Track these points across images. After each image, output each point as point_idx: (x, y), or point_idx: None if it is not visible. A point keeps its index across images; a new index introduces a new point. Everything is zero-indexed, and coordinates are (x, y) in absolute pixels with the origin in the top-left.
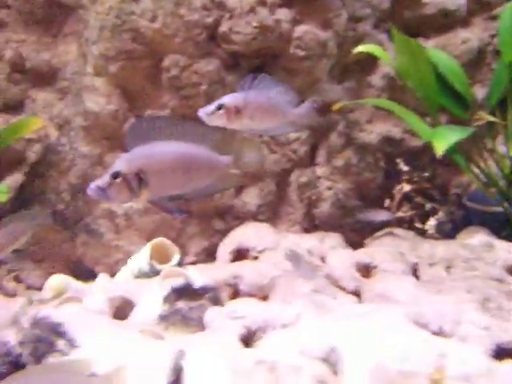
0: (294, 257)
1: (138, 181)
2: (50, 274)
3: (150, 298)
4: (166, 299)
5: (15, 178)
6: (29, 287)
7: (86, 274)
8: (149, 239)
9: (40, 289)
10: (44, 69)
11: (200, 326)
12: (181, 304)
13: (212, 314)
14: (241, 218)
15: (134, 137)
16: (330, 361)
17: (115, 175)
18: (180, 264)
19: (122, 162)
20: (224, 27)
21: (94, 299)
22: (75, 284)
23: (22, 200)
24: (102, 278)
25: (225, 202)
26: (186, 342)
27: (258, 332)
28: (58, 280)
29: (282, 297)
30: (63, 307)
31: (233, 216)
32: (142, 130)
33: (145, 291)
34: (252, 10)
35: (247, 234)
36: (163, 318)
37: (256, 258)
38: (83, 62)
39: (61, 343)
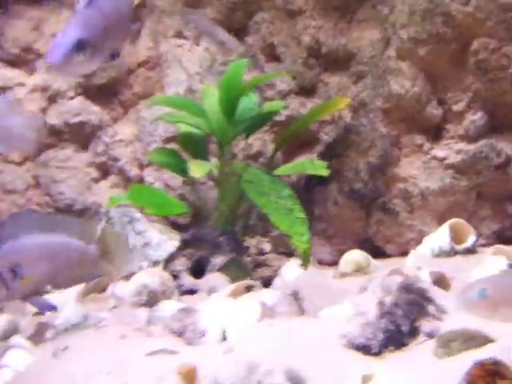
0: None
1: (12, 275)
2: (340, 250)
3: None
4: None
5: (305, 158)
6: (319, 262)
7: (373, 253)
8: (440, 220)
9: (330, 264)
10: (340, 54)
11: None
12: None
13: None
14: None
15: (6, 232)
16: None
17: None
18: (474, 246)
19: None
20: None
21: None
22: (373, 260)
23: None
24: (413, 256)
25: None
26: None
27: None
28: (358, 255)
29: None
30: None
31: None
32: (15, 226)
33: (468, 267)
34: None
35: None
36: None
37: None
38: (382, 46)
39: (431, 308)
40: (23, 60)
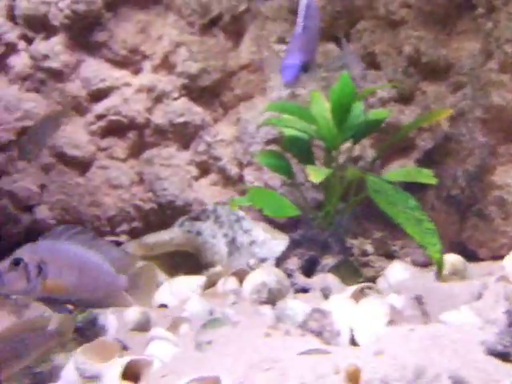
0: None
1: (37, 271)
2: None
3: None
4: None
5: (402, 163)
6: (413, 263)
7: (464, 255)
8: None
9: (423, 265)
10: (439, 64)
11: None
12: None
13: None
14: None
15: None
16: None
17: (16, 262)
18: None
19: (24, 251)
20: None
21: None
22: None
23: None
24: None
25: None
26: None
27: None
28: (455, 259)
29: None
30: None
31: None
32: (62, 232)
33: None
34: None
35: None
36: None
37: None
38: (483, 58)
39: None
40: (130, 61)
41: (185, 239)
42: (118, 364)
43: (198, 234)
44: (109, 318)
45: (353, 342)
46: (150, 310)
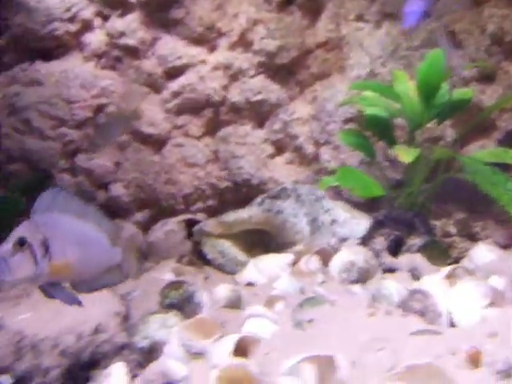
0: None
1: (43, 251)
2: None
3: None
4: None
5: (481, 144)
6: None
7: None
8: None
9: (503, 247)
10: None
11: None
12: None
13: None
14: None
15: (39, 207)
16: None
17: (21, 242)
18: None
19: (25, 228)
20: None
21: None
22: None
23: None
24: None
25: None
26: None
27: None
28: None
29: None
30: None
31: None
32: (51, 201)
33: None
34: None
35: None
36: None
37: None
38: None
39: None
40: (206, 38)
41: (264, 218)
42: (230, 341)
43: (278, 212)
44: (203, 296)
45: (451, 324)
46: (239, 288)
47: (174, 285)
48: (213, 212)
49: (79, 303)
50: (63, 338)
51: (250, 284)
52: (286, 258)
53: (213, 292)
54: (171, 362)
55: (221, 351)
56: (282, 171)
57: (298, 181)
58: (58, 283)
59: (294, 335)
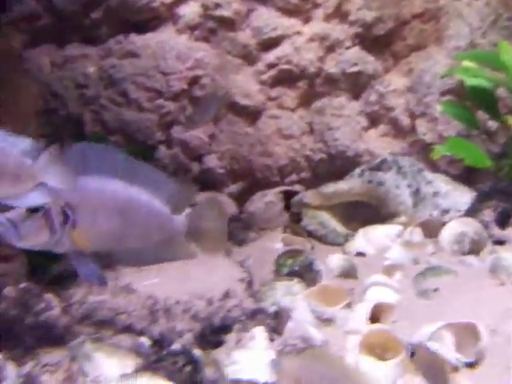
0: None
1: (62, 219)
2: None
3: None
4: None
5: None
6: None
7: None
8: None
9: None
10: None
11: None
12: None
13: None
14: None
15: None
16: None
17: (33, 208)
18: None
19: (44, 192)
20: None
21: None
22: None
23: None
24: None
25: None
26: None
27: None
28: None
29: None
30: None
31: None
32: (82, 159)
33: None
34: None
35: None
36: None
37: None
38: None
39: None
40: (301, 9)
41: (365, 189)
42: (365, 307)
43: (380, 184)
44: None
45: None
46: (351, 258)
47: (291, 253)
48: (307, 184)
49: (104, 282)
50: (194, 302)
51: (360, 254)
52: (394, 228)
53: (325, 261)
54: (309, 327)
55: (356, 317)
56: (377, 143)
57: (394, 153)
58: (84, 257)
59: (420, 304)
